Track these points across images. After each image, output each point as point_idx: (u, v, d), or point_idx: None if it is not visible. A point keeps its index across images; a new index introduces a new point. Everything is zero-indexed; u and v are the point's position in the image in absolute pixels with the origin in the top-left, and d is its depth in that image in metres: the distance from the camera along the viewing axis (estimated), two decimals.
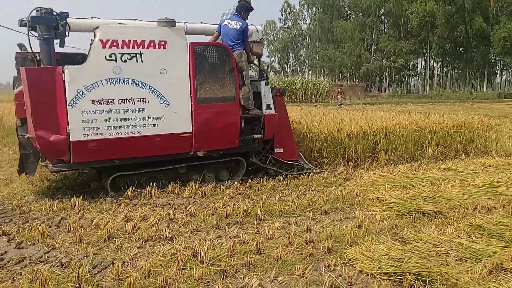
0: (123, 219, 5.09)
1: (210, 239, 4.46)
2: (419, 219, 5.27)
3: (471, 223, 4.90)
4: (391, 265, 3.80)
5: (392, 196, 6.09)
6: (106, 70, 5.88)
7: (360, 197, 6.27)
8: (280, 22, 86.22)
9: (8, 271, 3.79)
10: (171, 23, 6.38)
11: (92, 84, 5.77)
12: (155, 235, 4.57)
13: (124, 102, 6.02)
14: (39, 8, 5.83)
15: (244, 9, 7.40)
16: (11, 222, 5.10)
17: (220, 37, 7.33)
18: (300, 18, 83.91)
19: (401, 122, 9.70)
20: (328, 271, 3.82)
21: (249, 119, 7.24)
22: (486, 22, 56.79)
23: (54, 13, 5.92)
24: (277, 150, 7.72)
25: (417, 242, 4.41)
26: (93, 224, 4.94)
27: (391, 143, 9.17)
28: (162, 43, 6.22)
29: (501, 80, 67.96)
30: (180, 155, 6.72)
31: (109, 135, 5.95)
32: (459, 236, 4.51)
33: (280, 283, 3.61)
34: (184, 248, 4.18)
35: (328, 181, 7.39)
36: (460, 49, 63.85)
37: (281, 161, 7.86)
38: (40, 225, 4.77)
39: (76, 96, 5.69)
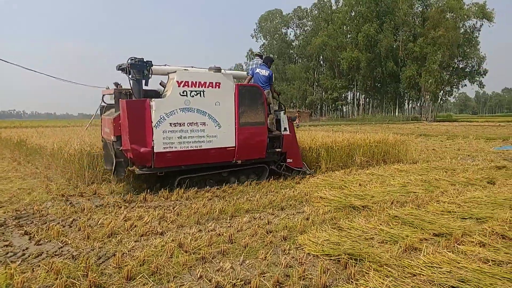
0: (123, 219, 4.89)
1: (193, 233, 4.33)
2: (351, 212, 5.29)
3: (389, 214, 4.94)
4: (331, 248, 3.78)
5: (331, 195, 6.09)
6: (180, 102, 6.41)
7: (308, 196, 6.25)
8: (245, 65, 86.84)
9: (28, 263, 3.55)
10: (218, 69, 6.99)
11: (170, 112, 6.33)
12: (149, 231, 4.40)
13: (191, 125, 6.56)
14: (133, 58, 6.28)
15: (269, 61, 8.33)
16: (32, 223, 4.81)
17: (252, 80, 7.94)
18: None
19: (336, 139, 9.86)
20: (284, 254, 3.76)
21: (272, 138, 7.77)
22: (396, 65, 58.79)
23: (144, 61, 6.39)
24: (289, 160, 8.18)
25: (350, 229, 4.40)
26: (98, 223, 4.72)
27: (330, 155, 9.34)
28: (217, 84, 6.79)
29: (408, 107, 70.11)
30: (226, 163, 7.18)
31: (180, 148, 6.46)
32: (380, 224, 4.53)
33: (247, 265, 3.53)
34: (172, 240, 4.04)
35: (284, 184, 7.36)
36: (378, 85, 65.64)
37: (290, 168, 8.26)
38: (55, 226, 4.52)
39: (159, 120, 6.22)
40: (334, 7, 69.02)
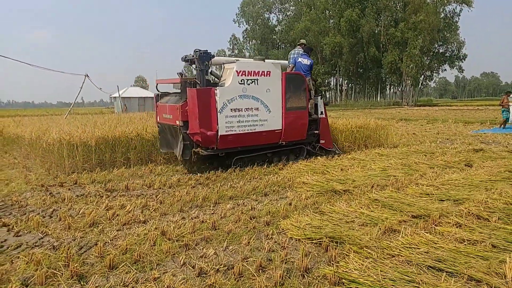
0: (105, 208, 4.83)
1: (176, 221, 4.33)
2: (333, 196, 5.37)
3: (369, 197, 5.04)
4: (313, 232, 3.85)
5: (313, 180, 6.17)
6: (238, 90, 7.08)
7: (291, 182, 6.30)
8: (228, 50, 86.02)
9: (7, 255, 3.49)
10: (263, 59, 7.91)
11: (231, 99, 6.99)
12: (131, 220, 4.37)
13: (247, 110, 7.25)
14: (198, 50, 6.96)
15: (309, 51, 9.12)
16: (11, 215, 4.71)
17: (294, 68, 8.54)
18: (244, 48, 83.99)
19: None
20: (267, 239, 3.81)
21: (311, 121, 8.52)
22: (378, 50, 59.13)
23: (208, 53, 7.05)
24: (321, 141, 8.93)
25: (331, 213, 4.48)
26: (80, 213, 4.65)
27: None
28: (268, 72, 7.48)
29: (390, 92, 70.93)
30: (273, 144, 7.93)
31: (238, 131, 7.15)
32: (361, 208, 4.62)
33: (231, 251, 3.56)
34: (154, 228, 4.02)
35: (268, 170, 7.39)
36: (361, 70, 66.02)
37: (323, 148, 8.98)
38: (35, 216, 4.45)
39: (222, 106, 6.87)
40: None
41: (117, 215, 4.57)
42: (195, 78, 7.06)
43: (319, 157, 8.46)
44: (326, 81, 70.70)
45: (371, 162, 7.60)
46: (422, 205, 4.68)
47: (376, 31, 58.75)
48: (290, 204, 4.99)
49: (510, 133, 13.99)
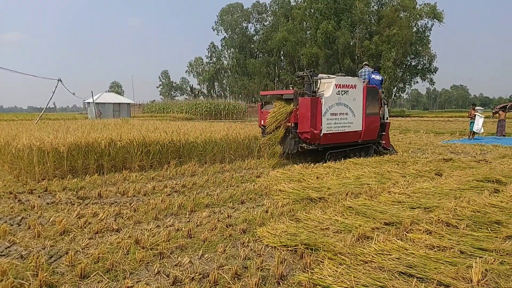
0: (76, 216, 4.70)
1: (150, 229, 4.25)
2: (309, 204, 5.43)
3: (344, 205, 5.12)
4: (288, 239, 3.87)
5: (290, 187, 6.22)
6: (335, 99, 9.12)
7: (268, 189, 6.32)
8: (206, 58, 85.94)
9: None
10: (343, 75, 10.17)
11: (331, 106, 9.04)
12: (104, 228, 4.27)
13: (341, 115, 9.29)
14: (308, 69, 9.38)
15: (379, 69, 11.59)
16: None
17: (369, 82, 10.44)
18: (222, 56, 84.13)
19: None
20: (243, 247, 3.81)
21: (381, 124, 10.50)
22: (353, 62, 60.57)
23: (313, 72, 9.11)
24: (382, 142, 10.78)
25: (307, 220, 4.53)
26: (50, 221, 4.50)
27: None
28: (354, 85, 9.54)
29: None
30: (353, 142, 9.86)
31: (334, 130, 9.17)
32: (336, 215, 4.70)
33: (206, 259, 3.53)
34: (128, 237, 3.95)
35: (245, 178, 7.40)
36: None
37: (383, 147, 10.81)
38: (2, 225, 4.25)
39: (325, 111, 8.92)
40: (293, 3, 69.82)
41: (89, 223, 4.45)
42: (304, 90, 9.02)
43: (295, 165, 8.55)
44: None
45: (346, 171, 7.74)
46: (394, 212, 4.81)
47: (351, 43, 60.19)
48: (267, 211, 5.01)
49: (478, 143, 14.60)
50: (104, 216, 4.70)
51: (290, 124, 8.92)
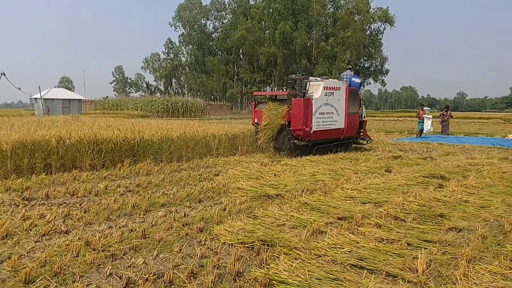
0: (21, 218, 4.41)
1: (102, 230, 4.09)
2: (266, 200, 5.50)
3: (300, 201, 5.25)
4: (245, 236, 3.90)
5: (248, 185, 6.26)
6: (323, 100, 10.14)
7: (226, 187, 6.32)
8: (163, 54, 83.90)
9: None
10: (328, 78, 11.31)
11: (319, 106, 10.02)
12: (52, 230, 4.04)
13: (328, 114, 10.33)
14: (300, 73, 10.45)
15: (358, 73, 12.83)
16: None
17: (350, 84, 11.42)
18: (180, 52, 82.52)
19: (251, 129, 11.20)
20: (200, 246, 3.78)
21: (360, 122, 11.72)
22: (310, 62, 61.96)
23: (304, 75, 10.14)
24: (361, 135, 12.05)
25: (264, 217, 4.58)
26: None
27: (246, 142, 10.97)
28: (339, 87, 10.64)
29: None
30: (336, 139, 10.99)
31: (322, 128, 10.21)
32: (292, 211, 4.79)
33: (161, 259, 3.46)
34: (78, 239, 3.77)
35: (203, 177, 7.33)
36: None
37: (362, 138, 12.14)
38: None
39: (315, 111, 9.90)
40: (252, 2, 70.04)
41: (36, 225, 4.20)
42: (296, 92, 9.79)
43: (254, 163, 8.61)
44: (263, 89, 72.16)
45: (302, 168, 7.91)
46: (346, 207, 4.99)
47: (308, 44, 61.52)
48: (224, 209, 5.00)
49: (425, 142, 15.51)
50: (52, 218, 4.45)
51: (284, 122, 9.87)
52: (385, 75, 66.50)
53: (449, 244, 3.90)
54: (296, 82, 9.91)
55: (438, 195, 5.78)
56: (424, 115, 17.79)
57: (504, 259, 3.44)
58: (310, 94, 9.95)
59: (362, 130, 11.87)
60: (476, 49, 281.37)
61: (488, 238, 4.10)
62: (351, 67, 12.59)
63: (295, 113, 9.61)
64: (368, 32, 62.23)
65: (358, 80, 11.89)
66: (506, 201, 5.58)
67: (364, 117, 12.07)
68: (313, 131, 9.83)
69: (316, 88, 10.09)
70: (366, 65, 65.34)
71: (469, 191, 6.14)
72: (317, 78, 10.73)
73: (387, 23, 61.25)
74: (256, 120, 10.79)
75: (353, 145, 12.04)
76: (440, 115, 20.84)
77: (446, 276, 3.16)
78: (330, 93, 10.25)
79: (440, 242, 3.93)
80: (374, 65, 66.10)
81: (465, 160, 9.55)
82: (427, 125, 17.62)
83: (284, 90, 12.06)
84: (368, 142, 12.65)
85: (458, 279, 3.04)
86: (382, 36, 63.93)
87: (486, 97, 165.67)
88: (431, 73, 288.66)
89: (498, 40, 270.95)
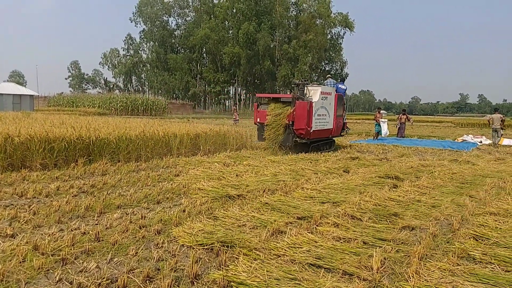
0: None
1: (52, 233, 3.85)
2: (227, 201, 5.44)
3: (261, 201, 5.25)
4: (205, 237, 3.83)
5: (209, 185, 6.17)
6: (320, 103, 11.45)
7: (186, 188, 6.19)
8: (123, 50, 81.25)
9: None
10: (321, 84, 13.72)
11: (317, 108, 11.31)
12: None
13: (322, 115, 11.69)
14: (302, 79, 14.03)
15: (343, 80, 14.88)
16: None
17: (336, 90, 12.92)
18: (141, 49, 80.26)
19: (213, 129, 11.31)
20: (157, 248, 3.66)
21: (343, 123, 13.53)
22: (273, 64, 62.55)
23: (305, 81, 11.70)
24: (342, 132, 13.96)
25: (225, 218, 4.53)
26: None
27: (208, 142, 10.89)
28: (330, 93, 12.17)
29: None
30: (325, 138, 12.44)
31: (319, 128, 11.53)
32: (253, 211, 4.78)
33: (116, 263, 3.32)
34: (25, 243, 3.53)
35: (162, 177, 7.14)
36: (257, 82, 68.94)
37: (340, 134, 13.87)
38: None
39: (314, 113, 11.14)
40: (215, 1, 69.57)
41: None
42: (299, 95, 11.05)
43: (216, 164, 8.52)
44: (226, 89, 71.86)
45: (264, 168, 7.95)
46: (306, 207, 5.07)
47: (271, 46, 62.10)
48: (184, 211, 4.89)
49: (381, 143, 16.14)
50: None
51: (288, 122, 10.93)
52: (345, 78, 68.58)
53: (402, 242, 4.05)
54: (299, 87, 11.26)
55: (393, 195, 6.01)
56: (380, 119, 18.53)
57: (452, 256, 3.63)
58: (309, 97, 11.18)
59: (343, 131, 13.83)
60: (429, 55, 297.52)
61: (439, 236, 4.31)
62: (331, 75, 14.85)
63: (299, 114, 10.78)
64: (329, 36, 63.93)
65: (343, 87, 13.62)
66: (456, 201, 5.92)
67: (345, 119, 14.00)
68: (313, 130, 11.10)
69: (314, 92, 11.36)
70: (326, 69, 67.07)
71: (422, 191, 6.45)
72: (314, 84, 12.61)
73: (347, 28, 63.29)
74: (258, 120, 11.91)
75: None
76: (397, 118, 21.80)
77: (400, 274, 3.28)
78: (325, 98, 11.61)
79: (394, 240, 4.08)
80: (334, 68, 68.01)
81: (418, 162, 10.04)
82: (384, 128, 18.39)
83: (288, 93, 13.77)
84: (347, 131, 15.11)
85: (411, 276, 3.16)
86: (342, 41, 65.96)
87: (438, 101, 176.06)
88: (387, 78, 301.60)
89: (449, 47, 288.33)
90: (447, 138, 20.60)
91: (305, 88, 11.21)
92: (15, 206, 4.81)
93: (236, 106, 29.61)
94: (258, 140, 11.96)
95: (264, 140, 11.40)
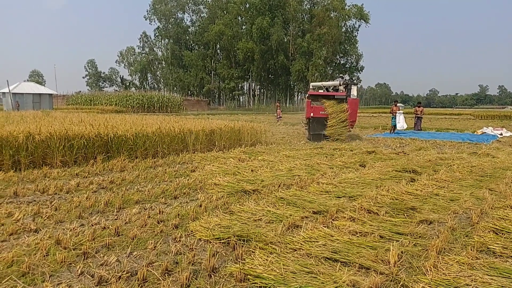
0: None
1: (73, 228, 3.97)
2: (243, 196, 5.49)
3: (276, 196, 5.27)
4: (221, 232, 3.88)
5: (225, 181, 6.22)
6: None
7: (202, 184, 6.25)
8: (138, 48, 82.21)
9: None
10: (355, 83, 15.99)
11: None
12: (20, 229, 3.90)
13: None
14: (349, 78, 15.33)
15: (355, 84, 16.23)
16: None
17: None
18: (156, 47, 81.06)
19: (227, 125, 11.24)
20: (175, 242, 3.73)
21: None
22: (287, 58, 62.22)
23: (351, 79, 15.61)
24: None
25: (240, 212, 4.57)
26: None
27: (223, 137, 10.84)
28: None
29: (297, 98, 75.04)
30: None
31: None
32: (268, 206, 4.81)
33: (135, 257, 3.40)
34: (48, 237, 3.65)
35: (179, 173, 7.24)
36: (271, 77, 68.76)
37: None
38: None
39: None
40: None
41: (2, 224, 4.03)
42: (347, 93, 13.63)
43: (231, 159, 8.57)
44: (240, 85, 71.94)
45: (279, 163, 7.95)
46: (322, 201, 5.06)
47: (285, 40, 61.75)
48: (201, 205, 4.95)
49: (398, 137, 15.91)
50: (21, 216, 4.29)
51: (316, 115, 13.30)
52: (360, 71, 67.73)
53: (420, 236, 4.01)
54: (347, 85, 13.93)
55: (410, 188, 5.94)
56: (396, 112, 18.24)
57: (471, 250, 3.58)
58: (353, 94, 13.74)
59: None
60: (447, 47, 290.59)
61: (457, 230, 4.25)
62: (342, 76, 16.57)
63: (352, 109, 13.30)
64: (344, 29, 63.06)
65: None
66: (475, 194, 5.81)
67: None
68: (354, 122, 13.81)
69: (353, 90, 14.00)
70: (341, 62, 66.33)
71: (440, 185, 6.35)
72: (353, 83, 14.81)
73: (362, 20, 62.29)
74: (312, 114, 13.56)
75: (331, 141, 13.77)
76: (414, 111, 21.45)
77: (417, 267, 3.26)
78: (356, 95, 14.22)
79: (411, 234, 4.04)
80: (350, 61, 67.19)
81: (436, 155, 9.86)
82: (400, 120, 18.10)
83: (341, 91, 14.48)
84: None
85: (428, 270, 3.13)
86: (357, 33, 65.06)
87: (457, 93, 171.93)
88: (404, 70, 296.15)
89: (468, 39, 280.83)
90: (466, 131, 20.14)
91: (351, 86, 13.82)
92: (38, 202, 4.97)
93: (279, 103, 29.57)
94: (311, 132, 13.64)
95: (315, 132, 13.40)
